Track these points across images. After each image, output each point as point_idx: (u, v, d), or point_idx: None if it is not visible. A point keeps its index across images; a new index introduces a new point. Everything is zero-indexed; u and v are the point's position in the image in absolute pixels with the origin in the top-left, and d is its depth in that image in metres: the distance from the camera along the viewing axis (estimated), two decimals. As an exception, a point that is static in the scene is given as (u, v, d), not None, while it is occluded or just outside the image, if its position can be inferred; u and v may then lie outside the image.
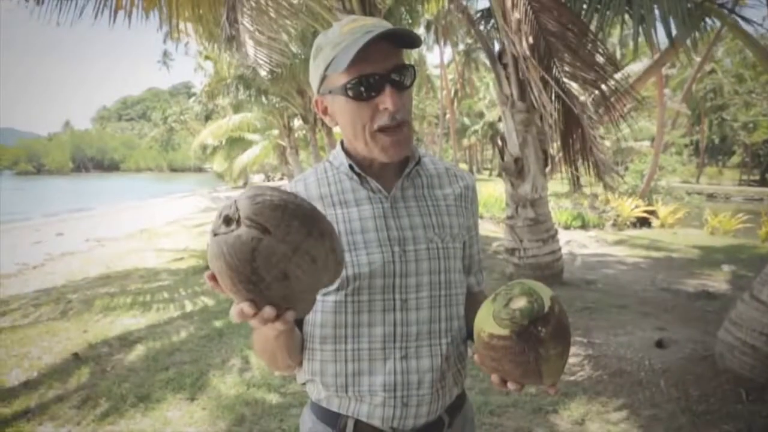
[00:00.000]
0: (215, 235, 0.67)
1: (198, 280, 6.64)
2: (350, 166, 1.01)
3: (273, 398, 3.27)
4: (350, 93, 0.92)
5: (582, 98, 4.37)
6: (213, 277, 0.68)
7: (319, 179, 1.04)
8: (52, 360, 4.05)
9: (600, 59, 4.45)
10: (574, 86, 4.34)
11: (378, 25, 0.91)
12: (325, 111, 1.02)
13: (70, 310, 5.47)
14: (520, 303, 0.78)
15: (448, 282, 1.03)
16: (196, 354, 4.09)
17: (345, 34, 0.91)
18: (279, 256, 0.65)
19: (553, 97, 4.22)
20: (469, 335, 1.09)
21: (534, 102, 4.47)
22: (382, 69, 0.90)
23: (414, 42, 0.92)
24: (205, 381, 3.58)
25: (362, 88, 0.91)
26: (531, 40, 4.20)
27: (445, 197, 1.07)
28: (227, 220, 0.67)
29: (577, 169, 4.55)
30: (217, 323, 4.81)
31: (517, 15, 4.20)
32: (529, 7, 4.15)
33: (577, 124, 4.22)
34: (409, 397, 0.98)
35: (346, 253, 0.94)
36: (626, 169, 17.43)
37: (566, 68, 4.13)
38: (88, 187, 41.05)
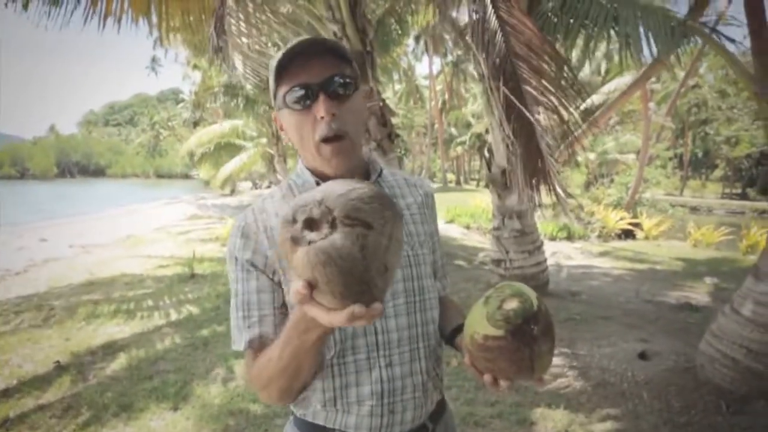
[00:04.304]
0: (308, 243, 0.63)
1: (183, 288, 6.58)
2: (317, 182, 1.01)
3: (257, 408, 3.25)
4: (288, 103, 0.95)
5: (544, 122, 4.44)
6: (310, 287, 0.64)
7: (285, 197, 1.04)
8: (33, 368, 3.99)
9: (568, 86, 4.52)
10: (541, 111, 4.41)
11: (310, 39, 0.95)
12: (281, 127, 1.04)
13: (53, 317, 5.40)
14: (513, 304, 0.81)
15: (421, 288, 1.06)
16: (180, 363, 4.06)
17: (287, 50, 0.94)
18: (382, 249, 0.63)
19: (513, 121, 4.28)
20: (446, 338, 1.13)
21: (494, 121, 4.54)
22: (316, 79, 0.93)
23: (340, 51, 0.97)
24: (189, 390, 3.55)
25: (298, 98, 0.94)
26: (498, 61, 4.26)
27: (409, 206, 1.10)
28: (310, 224, 0.64)
29: (538, 191, 4.64)
30: (202, 332, 4.78)
31: (486, 36, 4.26)
32: (499, 29, 4.22)
33: (537, 150, 4.29)
34: (394, 403, 1.00)
35: None
36: (612, 181, 17.67)
37: (532, 92, 4.19)
38: (73, 193, 40.55)
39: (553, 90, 4.42)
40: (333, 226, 0.62)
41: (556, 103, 4.47)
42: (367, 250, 0.61)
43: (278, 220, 0.99)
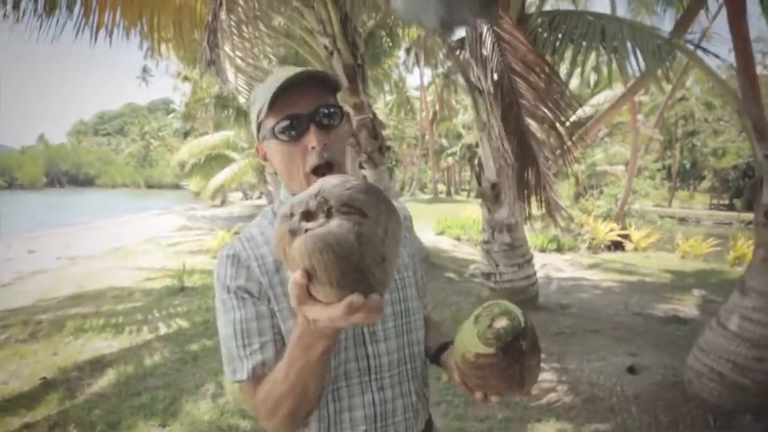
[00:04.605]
0: (305, 231, 0.64)
1: (173, 301, 6.54)
2: None
3: (247, 425, 3.24)
4: (278, 134, 0.97)
5: (540, 136, 4.53)
6: (308, 276, 0.64)
7: (272, 223, 1.04)
8: (19, 385, 3.95)
9: (560, 99, 4.62)
10: (533, 124, 4.51)
11: (304, 70, 0.97)
12: (264, 157, 1.06)
13: (40, 331, 5.34)
14: (502, 322, 0.84)
15: (408, 310, 1.08)
16: (169, 378, 4.03)
17: (272, 82, 0.96)
18: (378, 239, 0.64)
19: (512, 134, 4.37)
20: (431, 357, 1.16)
21: (493, 136, 4.64)
22: (305, 110, 0.96)
23: (331, 83, 1.00)
24: (178, 407, 3.52)
25: (288, 129, 0.96)
26: (496, 77, 4.34)
27: None
28: (307, 215, 0.65)
29: (529, 204, 4.72)
30: (192, 346, 4.75)
31: (484, 51, 4.34)
32: (496, 45, 4.30)
33: (533, 162, 4.38)
34: (386, 426, 1.02)
35: None
36: (601, 192, 17.80)
37: (527, 105, 4.28)
38: (62, 203, 40.22)
39: (550, 105, 4.52)
40: (329, 215, 0.64)
41: (552, 117, 4.58)
42: (363, 238, 0.62)
43: (269, 248, 0.99)
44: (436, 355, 1.16)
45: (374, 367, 1.01)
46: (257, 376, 0.93)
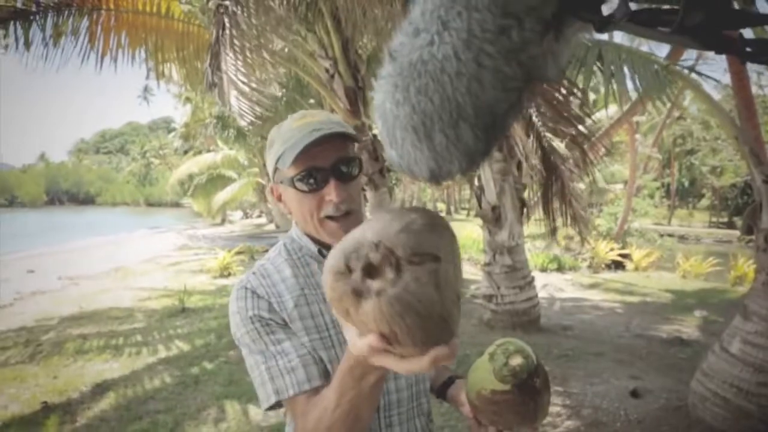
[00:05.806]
0: (377, 294, 0.55)
1: (174, 322, 6.52)
2: (319, 251, 1.04)
3: (249, 451, 3.22)
4: (298, 185, 0.98)
5: (563, 152, 4.57)
6: (386, 339, 0.58)
7: (287, 260, 1.05)
8: (20, 409, 3.93)
9: (576, 111, 4.64)
10: (555, 140, 4.54)
11: (326, 121, 0.99)
12: (279, 198, 1.08)
13: (40, 353, 5.32)
14: (518, 360, 0.87)
15: None
16: (170, 402, 4.01)
17: (294, 130, 0.98)
18: (452, 277, 0.58)
19: (535, 150, 4.41)
20: (437, 392, 1.19)
21: (518, 153, 4.67)
22: (326, 163, 0.97)
23: (354, 139, 1.02)
24: (180, 431, 3.50)
25: (308, 181, 0.98)
26: None
27: None
28: (370, 270, 0.56)
29: (555, 220, 4.74)
30: (193, 369, 4.73)
31: None
32: None
33: (557, 177, 4.40)
34: None
35: (325, 334, 0.98)
36: (601, 211, 17.83)
37: (548, 123, 4.32)
38: (62, 221, 40.18)
39: (569, 119, 4.56)
40: (398, 268, 0.55)
41: (573, 131, 4.61)
42: (441, 286, 0.55)
43: (285, 286, 1.00)
44: (441, 389, 1.17)
45: (384, 405, 1.02)
46: (305, 392, 0.90)
